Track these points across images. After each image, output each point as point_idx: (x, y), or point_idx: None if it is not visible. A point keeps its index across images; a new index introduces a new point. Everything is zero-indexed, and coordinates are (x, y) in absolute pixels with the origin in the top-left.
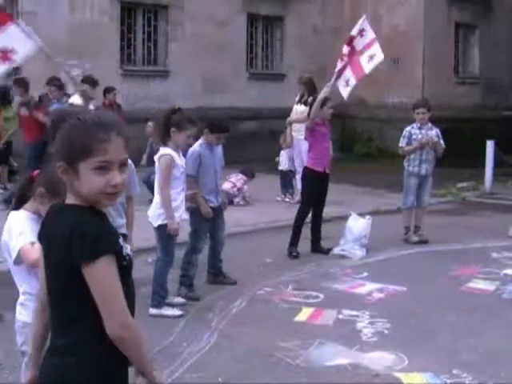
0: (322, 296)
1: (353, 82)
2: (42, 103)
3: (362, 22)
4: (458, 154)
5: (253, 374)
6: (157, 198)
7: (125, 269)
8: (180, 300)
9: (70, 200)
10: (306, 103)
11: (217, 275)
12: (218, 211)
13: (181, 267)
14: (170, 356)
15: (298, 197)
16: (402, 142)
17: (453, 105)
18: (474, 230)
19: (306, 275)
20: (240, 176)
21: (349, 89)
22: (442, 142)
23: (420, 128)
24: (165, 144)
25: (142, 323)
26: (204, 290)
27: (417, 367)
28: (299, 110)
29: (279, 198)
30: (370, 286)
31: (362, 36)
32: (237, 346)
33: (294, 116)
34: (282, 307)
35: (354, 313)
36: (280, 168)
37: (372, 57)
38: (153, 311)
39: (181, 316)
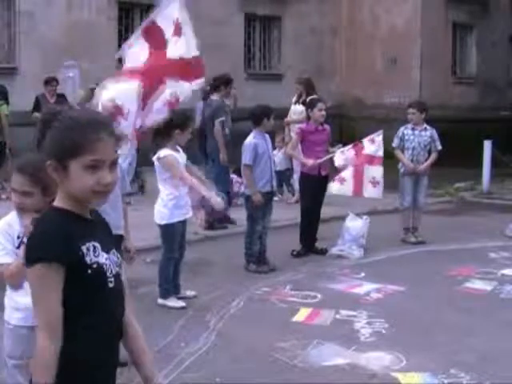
0: (319, 296)
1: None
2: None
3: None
4: (456, 153)
5: (250, 374)
6: (162, 196)
7: (93, 277)
8: (192, 293)
9: (56, 201)
10: (304, 103)
11: (259, 260)
12: (269, 197)
13: (244, 247)
14: (168, 356)
15: (295, 197)
16: (395, 142)
17: (450, 105)
18: (472, 230)
19: (304, 275)
20: (235, 179)
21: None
22: (438, 143)
23: (413, 129)
24: (165, 146)
25: (140, 324)
26: (201, 290)
27: (414, 367)
28: (298, 110)
29: (277, 198)
30: (367, 286)
31: (373, 142)
32: (234, 346)
33: (292, 116)
34: (280, 307)
35: (352, 313)
36: (277, 169)
37: (375, 182)
38: (160, 301)
39: (183, 308)
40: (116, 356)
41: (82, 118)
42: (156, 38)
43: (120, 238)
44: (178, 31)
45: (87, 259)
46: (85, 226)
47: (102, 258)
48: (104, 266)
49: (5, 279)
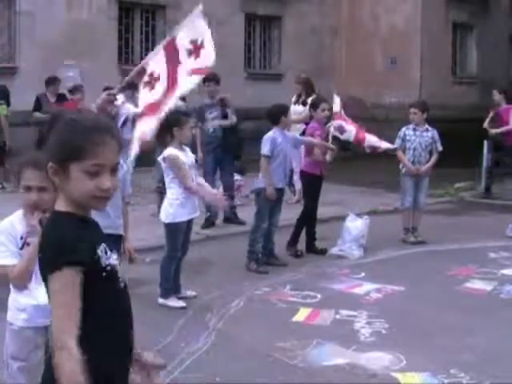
0: (319, 296)
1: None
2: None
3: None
4: (456, 153)
5: (250, 374)
6: (169, 195)
7: (107, 279)
8: (192, 293)
9: (59, 204)
10: (304, 103)
11: (269, 256)
12: (280, 194)
13: (248, 243)
14: (168, 356)
15: (296, 196)
16: (397, 143)
17: (450, 104)
18: (472, 229)
19: (304, 275)
20: (236, 176)
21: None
22: (439, 144)
23: (414, 129)
24: (168, 145)
25: (140, 323)
26: (202, 289)
27: (414, 367)
28: (297, 110)
29: None
30: (367, 286)
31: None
32: (234, 346)
33: (292, 116)
34: (280, 307)
35: (352, 313)
36: None
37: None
38: (160, 301)
39: (183, 308)
40: (131, 355)
41: (85, 121)
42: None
43: (119, 237)
44: (196, 52)
45: (102, 262)
46: (91, 229)
47: (113, 259)
48: (115, 267)
49: (10, 280)
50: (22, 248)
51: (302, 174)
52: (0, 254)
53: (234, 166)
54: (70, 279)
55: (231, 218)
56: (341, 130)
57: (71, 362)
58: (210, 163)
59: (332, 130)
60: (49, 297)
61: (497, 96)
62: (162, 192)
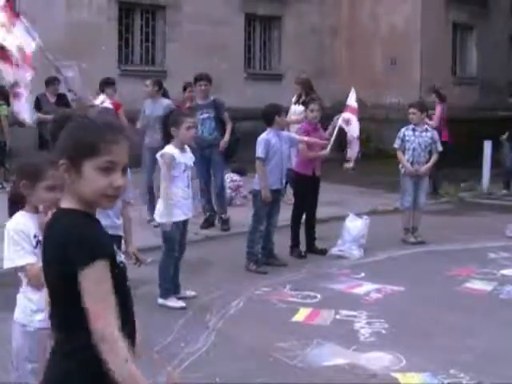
0: (319, 296)
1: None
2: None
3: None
4: (456, 154)
5: (250, 374)
6: (164, 195)
7: (119, 276)
8: (191, 293)
9: (65, 202)
10: (304, 103)
11: (268, 256)
12: (277, 195)
13: (247, 245)
14: (168, 356)
15: None
16: (396, 143)
17: (450, 105)
18: (472, 230)
19: (304, 275)
20: (235, 177)
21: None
22: (439, 144)
23: (414, 130)
24: (169, 143)
25: (140, 324)
26: (201, 289)
27: (414, 367)
28: (297, 110)
29: None
30: (367, 287)
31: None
32: (234, 346)
33: (292, 117)
34: (280, 307)
35: (352, 313)
36: None
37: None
38: (159, 301)
39: (183, 308)
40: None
41: (99, 119)
42: None
43: (119, 238)
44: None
45: (117, 258)
46: (101, 227)
47: (122, 257)
48: (125, 265)
49: (30, 279)
50: (35, 247)
51: (293, 173)
52: (16, 254)
53: (224, 167)
54: (102, 272)
55: (222, 222)
56: (348, 122)
57: (121, 355)
58: (198, 164)
59: (340, 121)
60: (82, 293)
61: (431, 97)
62: (150, 192)
